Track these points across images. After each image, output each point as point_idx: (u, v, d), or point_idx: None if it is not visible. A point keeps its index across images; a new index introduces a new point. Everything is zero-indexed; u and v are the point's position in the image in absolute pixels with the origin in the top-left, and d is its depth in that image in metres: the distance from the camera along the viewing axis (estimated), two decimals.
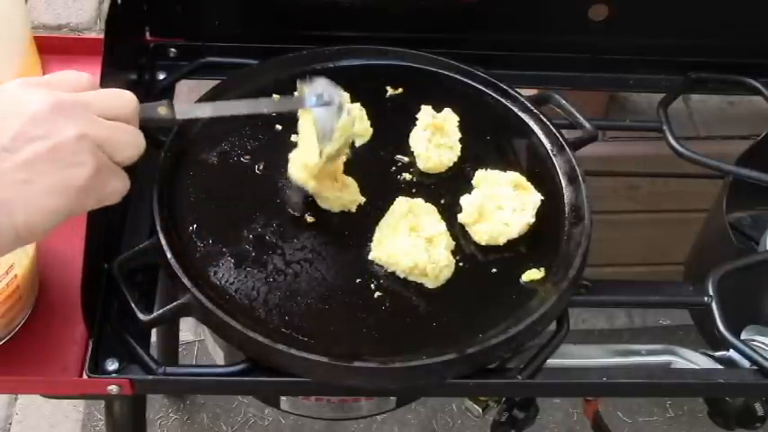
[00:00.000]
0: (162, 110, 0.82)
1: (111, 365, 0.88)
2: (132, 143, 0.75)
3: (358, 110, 1.06)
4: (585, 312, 2.02)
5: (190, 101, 1.06)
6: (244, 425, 1.87)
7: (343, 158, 0.97)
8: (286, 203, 0.98)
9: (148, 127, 0.79)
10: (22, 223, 0.69)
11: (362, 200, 0.99)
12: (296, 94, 0.95)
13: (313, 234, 0.97)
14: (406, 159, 1.05)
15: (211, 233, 0.95)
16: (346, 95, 0.93)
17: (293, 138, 1.05)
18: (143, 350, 0.88)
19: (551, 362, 0.93)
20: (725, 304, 0.98)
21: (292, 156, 0.99)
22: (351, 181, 0.99)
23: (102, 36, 0.99)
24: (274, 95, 1.00)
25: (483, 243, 0.97)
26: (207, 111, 0.88)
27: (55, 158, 0.69)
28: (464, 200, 0.99)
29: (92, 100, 0.73)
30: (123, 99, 0.76)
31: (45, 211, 0.69)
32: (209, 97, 1.07)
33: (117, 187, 0.75)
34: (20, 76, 0.99)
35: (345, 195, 0.98)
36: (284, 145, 1.04)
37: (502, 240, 0.97)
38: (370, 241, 0.95)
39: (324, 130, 0.91)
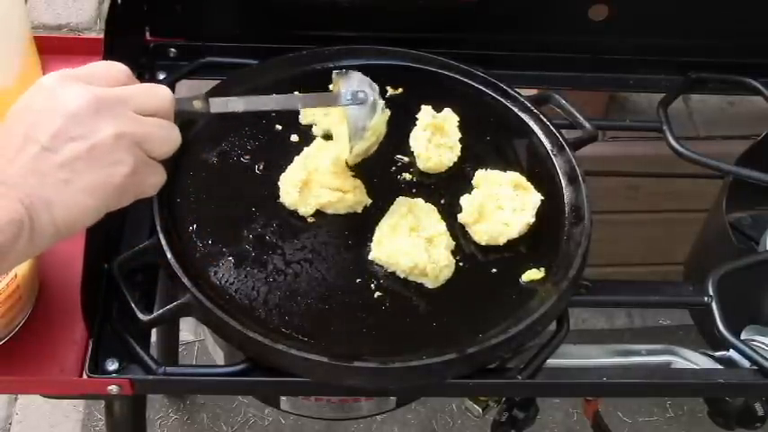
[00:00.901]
0: (197, 103, 0.83)
1: (111, 365, 0.88)
2: (168, 138, 0.76)
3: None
4: (585, 312, 2.02)
5: None
6: (244, 425, 1.87)
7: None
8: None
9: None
10: (62, 220, 0.70)
11: (369, 201, 0.99)
12: (330, 87, 0.96)
13: (313, 234, 0.97)
14: (406, 159, 1.05)
15: (211, 233, 0.95)
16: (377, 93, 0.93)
17: (293, 138, 1.05)
18: (143, 350, 0.88)
19: (551, 362, 0.93)
20: (725, 304, 0.98)
21: (284, 177, 0.99)
22: (358, 182, 0.99)
23: (102, 36, 0.99)
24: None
25: (483, 243, 0.97)
26: (240, 105, 0.87)
27: (94, 158, 0.71)
28: (464, 200, 0.99)
29: (129, 96, 0.74)
30: (159, 94, 0.77)
31: (83, 208, 0.71)
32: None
33: (154, 182, 0.77)
34: (20, 76, 0.99)
35: (351, 197, 0.98)
36: (284, 145, 1.04)
37: (502, 240, 0.97)
38: (370, 241, 0.95)
39: (356, 128, 0.91)
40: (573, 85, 1.23)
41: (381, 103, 0.93)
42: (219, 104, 0.85)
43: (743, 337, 1.04)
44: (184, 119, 0.81)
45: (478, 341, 0.88)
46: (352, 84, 0.92)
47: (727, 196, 1.17)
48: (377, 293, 0.92)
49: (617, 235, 1.73)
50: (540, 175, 1.04)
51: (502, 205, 0.98)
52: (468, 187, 1.01)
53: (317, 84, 1.09)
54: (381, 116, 0.93)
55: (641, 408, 1.93)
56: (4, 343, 0.89)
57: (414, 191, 1.02)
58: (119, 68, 0.77)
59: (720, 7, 1.19)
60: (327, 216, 0.98)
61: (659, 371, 1.03)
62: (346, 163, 0.99)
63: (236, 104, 0.87)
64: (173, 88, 1.14)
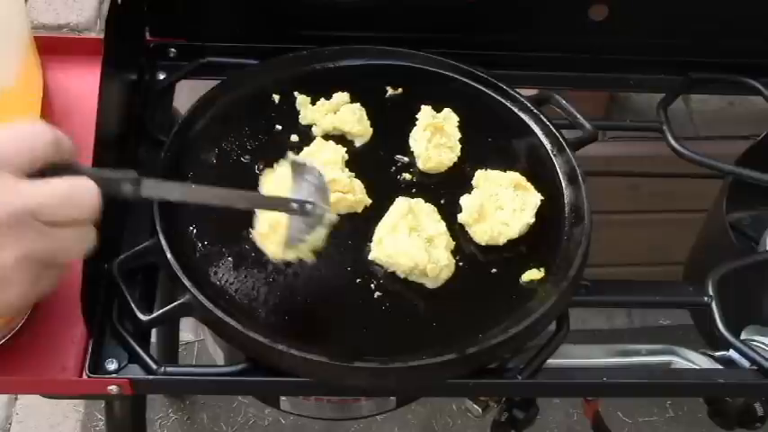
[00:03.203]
0: (126, 186, 0.72)
1: (111, 365, 0.88)
2: (78, 248, 0.67)
3: (358, 109, 1.06)
4: (585, 312, 2.02)
5: (190, 101, 1.06)
6: (244, 425, 1.87)
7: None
8: None
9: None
10: None
11: (369, 201, 0.99)
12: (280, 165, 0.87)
13: None
14: (406, 159, 1.05)
15: (211, 233, 0.95)
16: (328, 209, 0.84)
17: (293, 138, 1.05)
18: (143, 350, 0.88)
19: (551, 362, 0.93)
20: (725, 304, 0.98)
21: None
22: (357, 182, 0.99)
23: (102, 36, 0.99)
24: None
25: (483, 243, 0.97)
26: (175, 193, 0.79)
27: None
28: (464, 200, 0.99)
29: (40, 206, 0.64)
30: (80, 204, 0.66)
31: None
32: (210, 97, 1.07)
33: (53, 282, 0.68)
34: (20, 76, 0.99)
35: (351, 197, 0.98)
36: (284, 145, 1.04)
37: (502, 240, 0.97)
38: (370, 241, 0.95)
39: (292, 237, 0.83)
40: (573, 85, 1.23)
41: (331, 217, 0.84)
42: (152, 189, 0.75)
43: (743, 337, 1.04)
44: (110, 194, 0.71)
45: (478, 341, 0.88)
46: (303, 188, 0.83)
47: (727, 196, 1.17)
48: (377, 293, 0.92)
49: (617, 235, 1.73)
50: (540, 175, 1.04)
51: (502, 205, 0.98)
52: (468, 187, 1.01)
53: (318, 84, 1.09)
54: (322, 232, 0.84)
55: (641, 408, 1.93)
56: (4, 343, 0.89)
57: (414, 191, 1.02)
58: (43, 136, 0.65)
59: (720, 7, 1.19)
60: None
61: (659, 371, 1.03)
62: (346, 162, 0.99)
63: (171, 191, 0.79)
64: (173, 88, 1.15)
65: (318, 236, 0.84)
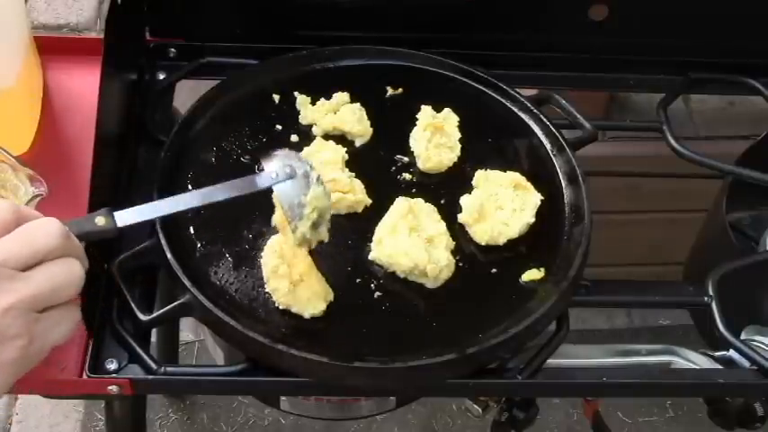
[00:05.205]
0: (100, 220, 0.74)
1: (111, 365, 0.88)
2: (67, 283, 0.67)
3: (358, 109, 1.06)
4: (585, 312, 2.02)
5: (190, 101, 1.07)
6: (244, 425, 1.87)
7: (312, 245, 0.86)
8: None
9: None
10: None
11: (369, 201, 0.99)
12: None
13: None
14: (406, 159, 1.05)
15: (211, 233, 0.95)
16: (313, 165, 0.84)
17: (293, 138, 1.05)
18: (143, 350, 0.88)
19: (551, 362, 0.93)
20: (725, 304, 0.98)
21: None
22: (357, 182, 0.99)
23: (102, 36, 0.99)
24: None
25: (483, 243, 0.97)
26: (150, 212, 0.78)
27: None
28: (464, 200, 0.99)
29: (7, 253, 0.63)
30: (40, 238, 0.65)
31: None
32: (210, 97, 1.07)
33: (62, 331, 0.68)
34: (20, 76, 0.99)
35: (351, 197, 0.98)
36: (284, 145, 1.04)
37: (502, 240, 0.97)
38: (370, 241, 0.95)
39: (291, 207, 0.81)
40: (573, 85, 1.23)
41: (315, 173, 0.83)
42: (127, 217, 0.76)
43: (743, 337, 1.04)
44: (93, 239, 0.72)
45: (478, 341, 0.88)
46: (277, 161, 0.83)
47: (727, 196, 1.17)
48: (377, 293, 0.92)
49: (617, 235, 1.73)
50: (540, 175, 1.04)
51: (502, 205, 0.98)
52: (468, 187, 1.01)
53: (318, 84, 1.09)
54: (318, 188, 0.82)
55: (641, 408, 1.93)
56: None
57: (414, 191, 1.02)
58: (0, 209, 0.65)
59: (720, 8, 1.19)
60: None
61: (659, 371, 1.03)
62: (346, 162, 0.99)
63: (146, 212, 0.79)
64: (173, 88, 1.15)
65: (315, 194, 0.82)
